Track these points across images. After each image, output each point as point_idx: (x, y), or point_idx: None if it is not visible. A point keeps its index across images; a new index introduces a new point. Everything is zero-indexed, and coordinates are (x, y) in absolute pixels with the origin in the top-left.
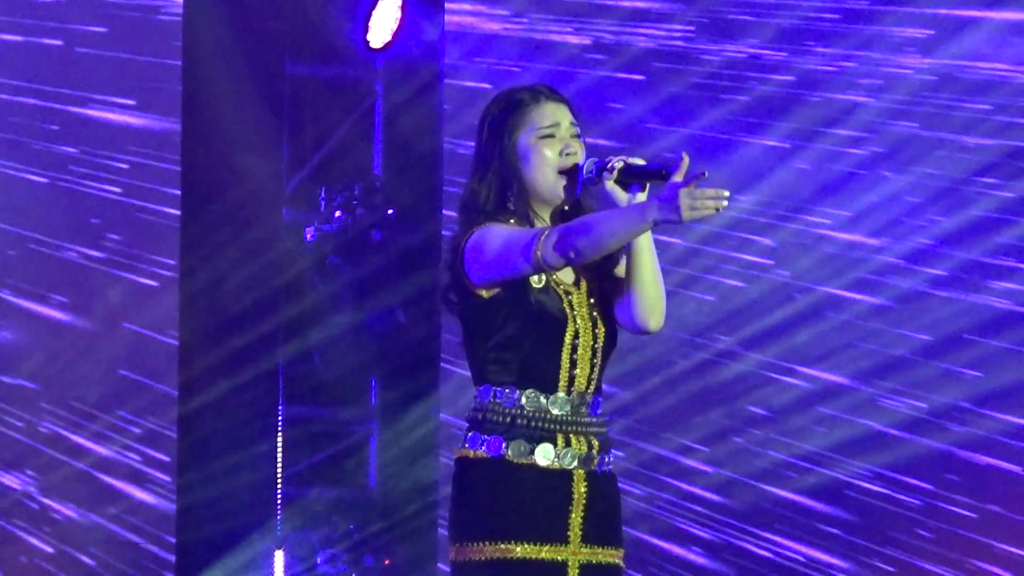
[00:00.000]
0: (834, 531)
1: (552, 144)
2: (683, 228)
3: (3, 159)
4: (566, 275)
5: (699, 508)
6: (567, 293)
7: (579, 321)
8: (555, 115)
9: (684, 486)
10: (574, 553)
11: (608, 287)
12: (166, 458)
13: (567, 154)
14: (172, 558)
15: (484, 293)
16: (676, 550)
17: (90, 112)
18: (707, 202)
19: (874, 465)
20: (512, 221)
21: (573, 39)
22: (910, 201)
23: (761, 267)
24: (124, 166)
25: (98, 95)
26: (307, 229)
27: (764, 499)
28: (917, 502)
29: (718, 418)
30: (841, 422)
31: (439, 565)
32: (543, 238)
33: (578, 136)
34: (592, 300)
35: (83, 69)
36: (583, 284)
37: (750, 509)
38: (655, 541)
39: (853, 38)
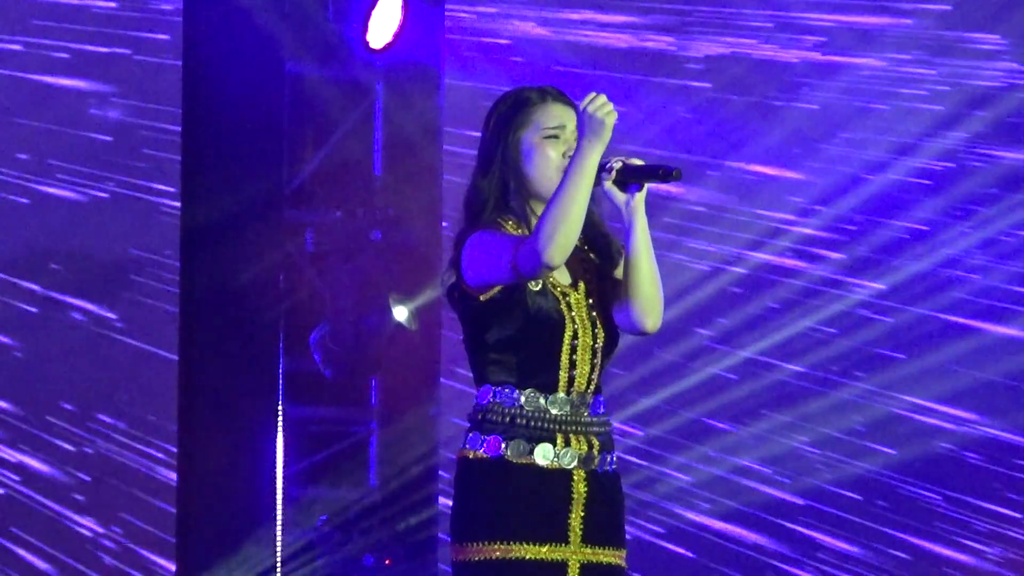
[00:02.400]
0: (905, 556)
1: (555, 145)
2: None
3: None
4: (563, 277)
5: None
6: (564, 294)
7: (577, 322)
8: (561, 117)
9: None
10: (574, 553)
11: (606, 288)
12: (166, 458)
13: (569, 156)
14: (172, 558)
15: (481, 296)
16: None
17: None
18: (597, 100)
19: (945, 488)
20: (511, 222)
21: (575, 38)
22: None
23: (865, 291)
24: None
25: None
26: (307, 229)
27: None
28: (986, 526)
29: (806, 447)
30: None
31: (439, 565)
32: (518, 252)
33: None
34: (591, 301)
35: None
36: (581, 285)
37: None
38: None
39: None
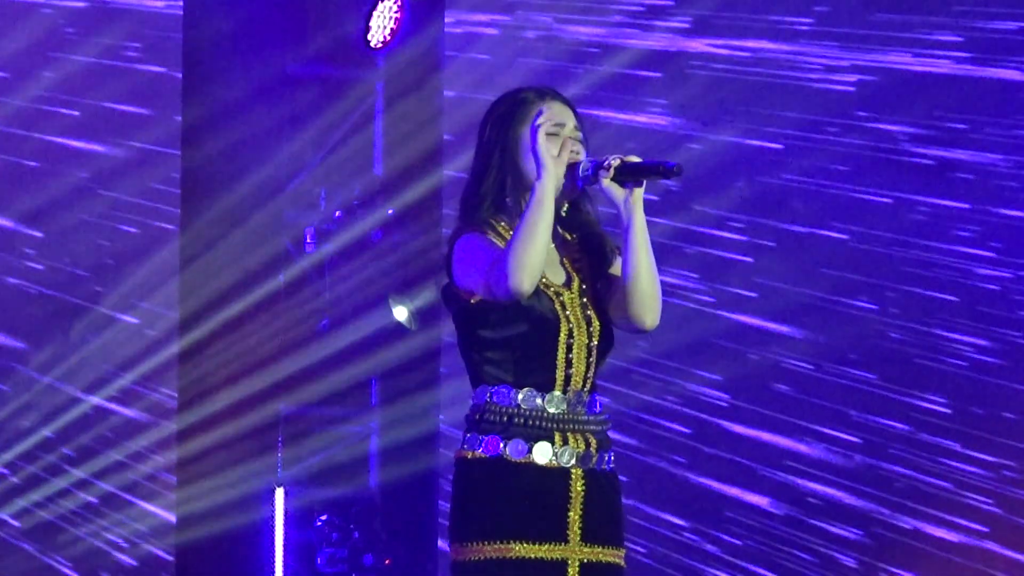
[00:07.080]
0: None
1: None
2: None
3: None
4: (556, 276)
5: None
6: (558, 294)
7: (572, 320)
8: (560, 115)
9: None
10: (574, 552)
11: (602, 287)
12: (166, 459)
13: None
14: (172, 558)
15: (471, 299)
16: None
17: None
18: (549, 128)
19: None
20: (503, 223)
21: (575, 37)
22: None
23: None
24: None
25: None
26: (307, 229)
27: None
28: None
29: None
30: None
31: (439, 565)
32: (490, 276)
33: (581, 140)
34: (584, 300)
35: None
36: (575, 284)
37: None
38: None
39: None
